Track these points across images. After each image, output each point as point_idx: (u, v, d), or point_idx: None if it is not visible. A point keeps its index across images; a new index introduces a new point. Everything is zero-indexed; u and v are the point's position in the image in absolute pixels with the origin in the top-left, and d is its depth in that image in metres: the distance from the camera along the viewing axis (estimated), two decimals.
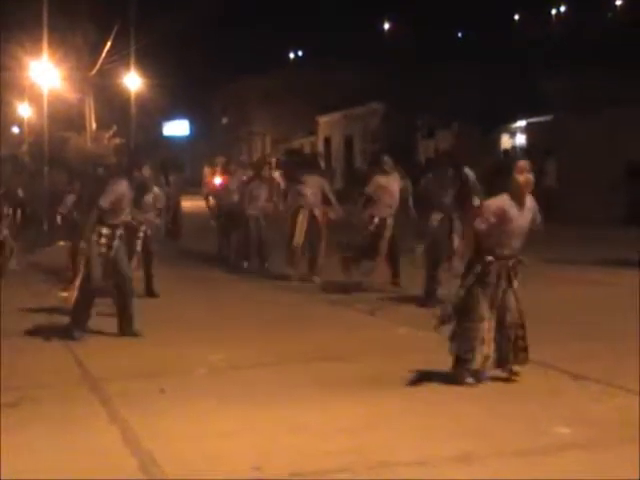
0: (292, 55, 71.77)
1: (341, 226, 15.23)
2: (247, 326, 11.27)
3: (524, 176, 7.75)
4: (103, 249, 10.17)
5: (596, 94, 32.46)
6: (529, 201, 7.93)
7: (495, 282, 7.78)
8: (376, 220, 13.73)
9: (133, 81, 46.03)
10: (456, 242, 11.95)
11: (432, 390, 7.79)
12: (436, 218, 12.50)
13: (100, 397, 7.87)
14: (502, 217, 7.72)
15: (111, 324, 10.54)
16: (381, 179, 13.88)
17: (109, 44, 41.08)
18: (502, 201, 7.79)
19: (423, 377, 8.19)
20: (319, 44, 60.70)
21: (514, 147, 36.54)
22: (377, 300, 12.95)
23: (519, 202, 7.81)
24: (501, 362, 7.90)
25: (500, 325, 7.84)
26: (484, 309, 7.72)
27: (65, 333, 10.32)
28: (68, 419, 7.18)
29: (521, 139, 37.28)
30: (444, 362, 8.09)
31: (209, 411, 7.27)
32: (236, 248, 18.04)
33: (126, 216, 10.63)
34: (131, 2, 40.10)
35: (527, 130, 36.52)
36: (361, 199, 14.02)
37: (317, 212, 15.12)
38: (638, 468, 5.52)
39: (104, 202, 10.22)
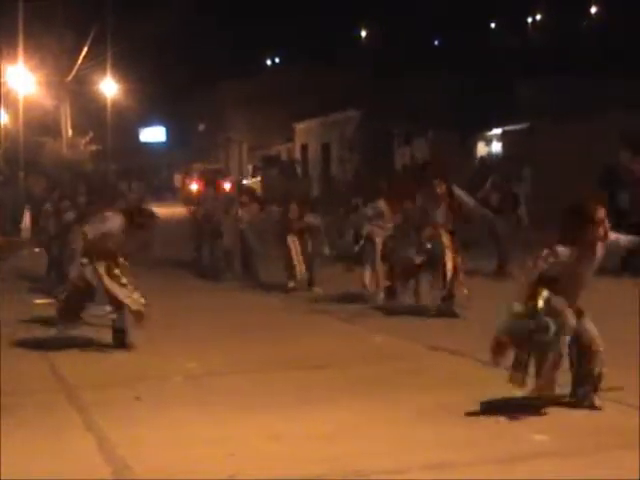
0: (269, 62, 71.79)
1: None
2: (226, 333, 11.22)
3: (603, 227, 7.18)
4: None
5: (570, 102, 32.68)
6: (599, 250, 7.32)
7: None
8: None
9: (109, 87, 45.98)
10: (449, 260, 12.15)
11: (409, 399, 7.78)
12: (428, 235, 12.51)
13: (76, 405, 7.84)
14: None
15: (86, 332, 10.47)
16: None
17: (85, 50, 41.05)
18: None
19: (404, 385, 8.22)
20: (296, 51, 60.76)
21: (490, 154, 36.66)
22: (357, 309, 12.93)
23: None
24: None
25: None
26: None
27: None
28: (44, 427, 7.15)
29: (497, 147, 37.41)
30: (418, 369, 8.05)
31: (186, 418, 7.24)
32: (221, 258, 17.64)
33: None
34: (107, 7, 39.99)
35: (503, 138, 36.64)
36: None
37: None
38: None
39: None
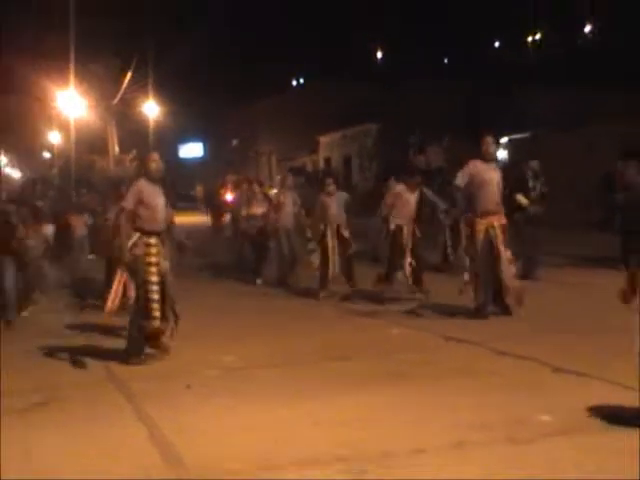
0: (294, 82, 71.88)
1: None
2: (260, 331, 11.23)
3: None
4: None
5: (570, 113, 32.58)
6: None
7: None
8: (392, 227, 13.07)
9: (151, 109, 46.19)
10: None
11: (427, 383, 7.78)
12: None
13: (125, 395, 7.86)
14: None
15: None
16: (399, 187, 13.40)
17: (129, 76, 41.29)
18: None
19: (421, 374, 8.23)
20: (318, 72, 60.83)
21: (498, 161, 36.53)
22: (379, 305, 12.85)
23: None
24: None
25: None
26: None
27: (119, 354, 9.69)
28: (94, 416, 7.17)
29: (503, 154, 37.30)
30: (434, 359, 8.04)
31: (228, 407, 7.25)
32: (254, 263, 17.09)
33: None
34: (149, 38, 40.26)
35: (509, 145, 36.57)
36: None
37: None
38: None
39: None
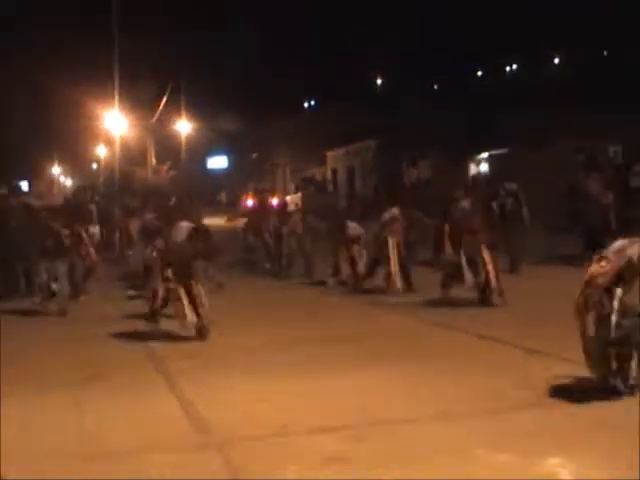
0: (306, 104, 72.01)
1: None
2: (279, 317, 11.22)
3: None
4: None
5: (541, 132, 32.59)
6: None
7: None
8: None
9: (183, 126, 46.32)
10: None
11: (419, 362, 7.80)
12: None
13: (162, 373, 7.87)
14: None
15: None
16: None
17: (165, 99, 41.49)
18: None
19: (413, 354, 8.24)
20: (326, 95, 61.02)
21: (479, 173, 36.53)
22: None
23: None
24: None
25: None
26: None
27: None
28: (135, 390, 7.18)
29: (484, 167, 37.31)
30: (423, 340, 8.06)
31: (248, 382, 7.27)
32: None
33: None
34: (183, 68, 40.51)
35: (489, 160, 36.54)
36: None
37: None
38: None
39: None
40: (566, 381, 6.70)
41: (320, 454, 5.24)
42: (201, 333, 9.36)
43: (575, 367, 6.76)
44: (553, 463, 4.95)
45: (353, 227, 14.05)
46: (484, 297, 11.07)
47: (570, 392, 6.41)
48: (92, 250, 13.82)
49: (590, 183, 15.74)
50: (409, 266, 13.15)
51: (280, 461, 5.15)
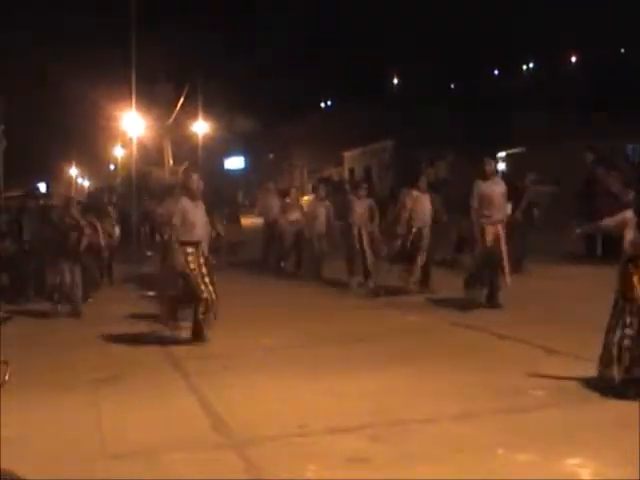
0: (323, 104, 71.96)
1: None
2: (292, 317, 11.20)
3: None
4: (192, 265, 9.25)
5: (558, 131, 32.49)
6: None
7: None
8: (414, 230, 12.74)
9: (200, 127, 46.39)
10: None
11: (435, 362, 7.77)
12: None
13: (181, 373, 7.89)
14: None
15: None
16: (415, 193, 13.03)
17: (182, 100, 41.65)
18: None
19: (433, 354, 8.22)
20: (343, 96, 60.94)
21: (497, 172, 36.37)
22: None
23: None
24: None
25: None
26: None
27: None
28: (154, 390, 7.21)
29: (501, 166, 37.15)
30: (442, 340, 8.02)
31: (264, 382, 7.28)
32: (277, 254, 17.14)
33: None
34: (200, 69, 40.57)
35: (506, 159, 36.41)
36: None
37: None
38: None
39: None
40: (586, 381, 6.65)
41: (340, 454, 5.24)
42: (199, 336, 9.28)
43: (595, 367, 6.70)
44: (573, 463, 4.92)
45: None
46: (492, 296, 10.98)
47: (591, 392, 6.38)
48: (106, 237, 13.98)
49: (611, 180, 15.63)
50: (430, 266, 13.05)
51: (299, 461, 5.15)
